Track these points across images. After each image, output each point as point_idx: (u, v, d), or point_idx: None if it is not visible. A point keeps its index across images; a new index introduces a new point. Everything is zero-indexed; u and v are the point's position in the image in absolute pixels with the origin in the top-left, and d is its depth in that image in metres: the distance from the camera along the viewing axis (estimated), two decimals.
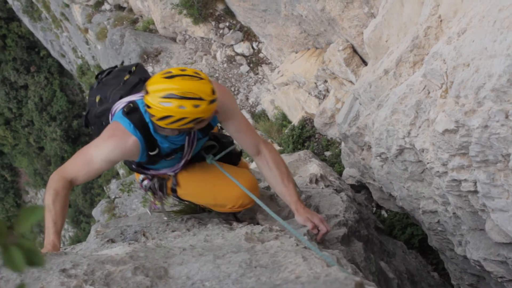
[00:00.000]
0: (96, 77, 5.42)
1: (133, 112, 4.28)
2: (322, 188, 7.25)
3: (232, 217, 5.42)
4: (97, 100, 4.95)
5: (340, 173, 10.69)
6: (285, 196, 4.75)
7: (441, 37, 4.50)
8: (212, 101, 3.94)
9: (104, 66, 25.50)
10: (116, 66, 5.47)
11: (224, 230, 4.27)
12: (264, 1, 13.35)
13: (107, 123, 4.53)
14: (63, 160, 45.47)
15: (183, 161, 4.87)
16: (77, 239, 40.15)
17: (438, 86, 4.00)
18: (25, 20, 41.66)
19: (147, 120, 4.27)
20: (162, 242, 3.82)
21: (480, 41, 3.40)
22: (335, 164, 11.59)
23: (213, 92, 3.96)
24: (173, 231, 4.76)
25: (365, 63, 11.15)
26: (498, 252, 3.98)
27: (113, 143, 4.22)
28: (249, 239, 3.64)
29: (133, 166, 4.94)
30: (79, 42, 30.72)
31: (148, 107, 3.97)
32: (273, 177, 4.78)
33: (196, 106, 3.88)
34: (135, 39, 19.29)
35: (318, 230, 4.62)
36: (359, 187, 10.02)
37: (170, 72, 3.97)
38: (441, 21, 4.66)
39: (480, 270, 4.73)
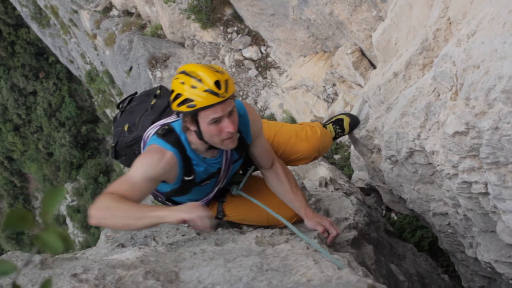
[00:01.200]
0: (118, 106, 5.36)
1: (169, 134, 4.25)
2: (332, 191, 7.25)
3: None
4: (125, 128, 4.90)
5: (349, 176, 10.68)
6: (294, 202, 4.81)
7: (450, 40, 4.49)
8: (211, 92, 3.87)
9: (113, 72, 25.55)
10: (135, 93, 5.46)
11: (234, 234, 4.28)
12: (272, 5, 13.35)
13: (139, 151, 4.56)
14: (72, 165, 45.72)
15: (216, 189, 4.82)
16: (87, 244, 40.24)
17: (448, 89, 3.99)
18: (34, 26, 41.80)
19: (183, 140, 4.26)
20: (173, 246, 3.83)
21: (490, 43, 3.39)
22: (345, 167, 11.58)
23: (218, 86, 3.88)
24: (183, 235, 4.77)
25: (373, 66, 11.14)
26: (510, 253, 3.97)
27: (150, 158, 4.14)
28: (259, 243, 3.64)
29: (160, 199, 4.92)
30: (87, 48, 30.78)
31: (172, 92, 4.04)
32: (283, 187, 4.86)
33: (193, 86, 3.88)
34: (144, 45, 19.31)
35: (328, 233, 4.69)
36: (369, 190, 10.00)
37: (199, 62, 4.08)
38: (450, 23, 4.65)
39: (491, 272, 4.72)
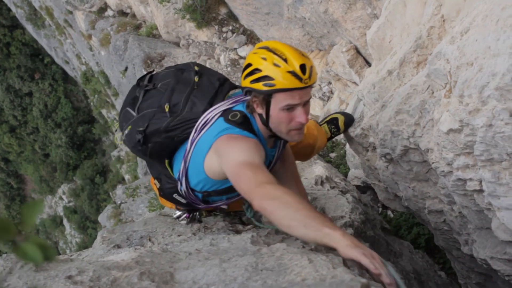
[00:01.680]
0: (138, 84, 4.64)
1: (245, 122, 3.86)
2: (328, 189, 7.25)
3: (237, 221, 5.40)
4: (166, 109, 4.23)
5: (345, 175, 10.68)
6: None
7: (444, 37, 4.50)
8: (294, 74, 3.54)
9: (108, 72, 25.59)
10: (153, 70, 4.81)
11: (230, 234, 4.28)
12: (267, 4, 13.35)
13: (182, 137, 4.11)
14: (68, 166, 45.74)
15: None
16: (84, 245, 40.24)
17: (442, 86, 4.00)
18: (29, 27, 41.85)
19: (256, 129, 3.90)
20: (168, 247, 3.83)
21: (483, 40, 3.40)
22: (340, 165, 11.58)
23: (304, 70, 3.56)
24: (179, 235, 4.76)
25: (368, 64, 11.16)
26: (505, 250, 3.98)
27: (246, 142, 3.73)
28: (255, 242, 3.64)
29: (193, 197, 4.37)
30: (82, 48, 30.82)
31: (250, 65, 3.70)
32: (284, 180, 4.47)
33: (276, 64, 3.55)
34: (139, 45, 19.32)
35: None
36: (365, 188, 10.01)
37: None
38: (444, 21, 4.65)
39: (487, 268, 4.72)
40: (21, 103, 47.90)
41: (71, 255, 4.52)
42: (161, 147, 4.21)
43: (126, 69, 20.65)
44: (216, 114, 3.95)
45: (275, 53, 3.58)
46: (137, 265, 2.86)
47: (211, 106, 4.07)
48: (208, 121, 3.95)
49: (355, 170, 10.03)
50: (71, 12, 27.88)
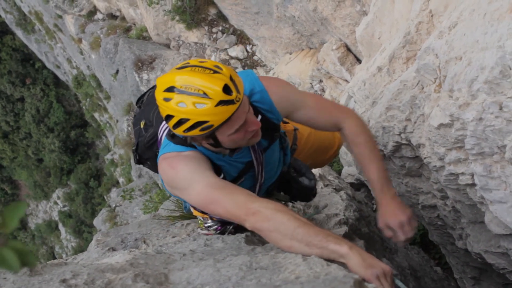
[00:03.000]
0: (137, 103, 4.56)
1: (176, 136, 3.53)
2: (321, 187, 7.25)
3: None
4: (142, 126, 4.18)
5: (339, 172, 10.70)
6: (367, 174, 3.90)
7: (432, 32, 4.51)
8: (224, 102, 3.10)
9: (99, 75, 25.60)
10: (155, 86, 4.56)
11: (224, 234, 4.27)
12: (256, 3, 13.37)
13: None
14: (62, 171, 45.69)
15: (257, 187, 4.03)
16: (80, 250, 40.18)
17: (432, 81, 4.01)
18: (19, 32, 41.84)
19: (189, 140, 3.49)
20: (163, 248, 3.82)
21: (471, 34, 3.41)
22: (334, 163, 11.59)
23: (228, 90, 3.11)
24: (173, 237, 4.76)
25: (359, 61, 11.19)
26: (499, 243, 3.98)
27: (184, 163, 3.44)
28: (249, 242, 3.64)
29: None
30: (73, 52, 30.83)
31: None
32: (356, 154, 3.98)
33: (199, 105, 3.08)
34: (129, 47, 19.32)
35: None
36: (359, 185, 10.02)
37: (187, 63, 3.22)
38: (432, 16, 4.66)
39: (482, 262, 4.74)
40: (13, 109, 47.82)
41: (66, 259, 4.52)
42: (155, 164, 3.92)
43: (117, 72, 20.68)
44: (164, 130, 3.80)
45: (188, 93, 3.10)
46: (131, 267, 2.86)
47: None
48: (162, 135, 3.83)
49: (348, 167, 10.04)
50: (60, 17, 27.88)
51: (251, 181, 3.96)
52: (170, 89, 3.14)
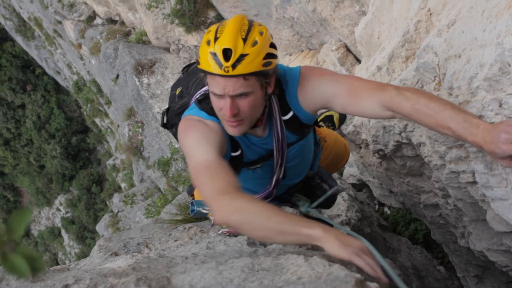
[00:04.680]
0: (183, 70, 4.51)
1: (205, 100, 3.52)
2: None
3: None
4: (177, 92, 4.16)
5: (340, 173, 10.70)
6: (444, 130, 3.03)
7: (431, 30, 4.51)
8: (213, 56, 3.12)
9: (100, 81, 25.64)
10: None
11: (226, 237, 4.27)
12: (255, 5, 13.37)
13: None
14: (64, 177, 45.73)
15: (274, 179, 3.98)
16: (83, 256, 40.14)
17: (431, 79, 4.00)
18: (19, 39, 41.90)
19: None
20: (165, 252, 3.82)
21: (469, 31, 3.40)
22: None
23: (226, 56, 3.10)
24: (175, 241, 4.76)
25: (359, 61, 11.19)
26: (501, 241, 3.98)
27: (196, 130, 3.39)
28: (251, 244, 3.64)
29: None
30: (73, 58, 30.86)
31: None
32: (420, 122, 3.25)
33: (207, 41, 3.17)
34: (129, 52, 19.34)
35: None
36: (360, 185, 10.03)
37: (251, 21, 3.32)
38: (430, 14, 4.66)
39: (485, 260, 4.73)
40: (14, 116, 47.86)
41: (68, 265, 4.52)
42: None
43: (117, 76, 20.69)
44: (198, 95, 3.71)
45: (217, 29, 3.20)
46: (133, 271, 2.85)
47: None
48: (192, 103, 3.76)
49: (350, 168, 10.05)
50: (60, 22, 27.92)
51: (269, 171, 3.94)
52: (223, 21, 3.26)
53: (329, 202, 4.59)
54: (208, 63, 3.16)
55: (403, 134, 4.60)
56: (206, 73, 3.21)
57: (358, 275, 2.12)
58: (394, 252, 7.13)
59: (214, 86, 3.23)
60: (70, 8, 25.76)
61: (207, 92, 3.47)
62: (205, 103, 3.49)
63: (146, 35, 19.95)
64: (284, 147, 3.78)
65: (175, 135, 4.12)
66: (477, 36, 3.28)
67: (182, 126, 3.50)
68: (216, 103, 3.31)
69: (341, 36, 11.37)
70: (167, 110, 4.22)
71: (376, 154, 5.49)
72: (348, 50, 11.54)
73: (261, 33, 3.26)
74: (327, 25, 11.46)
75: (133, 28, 21.89)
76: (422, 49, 4.04)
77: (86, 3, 25.25)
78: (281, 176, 3.98)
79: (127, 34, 21.81)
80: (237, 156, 3.68)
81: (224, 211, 2.92)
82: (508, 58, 2.86)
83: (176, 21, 16.86)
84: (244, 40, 3.15)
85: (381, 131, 4.94)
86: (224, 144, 3.47)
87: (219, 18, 16.60)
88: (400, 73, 4.98)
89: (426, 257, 8.30)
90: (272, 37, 3.43)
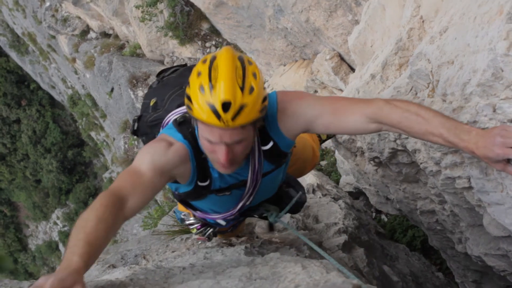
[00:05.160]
0: (158, 75, 4.43)
1: (185, 124, 3.38)
2: (320, 197, 7.27)
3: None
4: (151, 103, 4.06)
5: (337, 181, 10.71)
6: (434, 132, 2.98)
7: (424, 38, 4.52)
8: (211, 108, 2.91)
9: (94, 94, 25.62)
10: (185, 64, 4.54)
11: (223, 247, 4.27)
12: (249, 17, 13.39)
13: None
14: (60, 191, 45.64)
15: (240, 205, 3.84)
16: None
17: (425, 86, 4.02)
18: (13, 54, 41.87)
19: (197, 134, 3.31)
20: (163, 263, 3.81)
21: (462, 38, 3.42)
22: (332, 172, 11.60)
23: (226, 108, 2.91)
24: (173, 252, 4.76)
25: (353, 70, 11.21)
26: (498, 246, 3.98)
27: (155, 146, 3.28)
28: (249, 253, 3.64)
29: (176, 193, 3.83)
30: (68, 72, 30.85)
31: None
32: (409, 131, 3.16)
33: (201, 88, 2.95)
34: (123, 65, 19.34)
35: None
36: (357, 193, 10.03)
37: (245, 60, 3.08)
38: (423, 21, 4.68)
39: (482, 265, 4.74)
40: (10, 131, 47.80)
41: None
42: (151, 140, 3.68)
43: (112, 90, 20.68)
44: (173, 117, 3.64)
45: (210, 73, 2.96)
46: (131, 283, 2.85)
47: (180, 107, 3.74)
48: (167, 122, 3.70)
49: (346, 176, 10.05)
50: (54, 37, 27.92)
51: (237, 198, 3.79)
52: (212, 58, 3.01)
53: (297, 207, 4.38)
54: (203, 113, 2.95)
55: (398, 141, 4.61)
56: (200, 122, 3.04)
57: (355, 281, 2.13)
58: (392, 259, 7.14)
59: (209, 134, 3.07)
60: (63, 23, 25.78)
61: (186, 115, 3.42)
62: (184, 127, 3.38)
63: (140, 48, 19.96)
64: (258, 178, 3.67)
65: (144, 143, 4.08)
66: (469, 42, 3.29)
67: (153, 140, 3.42)
68: (208, 147, 3.18)
69: (334, 45, 11.39)
70: (139, 118, 4.16)
71: (371, 162, 5.49)
72: (342, 59, 11.56)
73: (254, 75, 3.06)
74: (321, 35, 11.49)
75: (127, 42, 21.91)
76: (415, 56, 4.06)
77: (79, 18, 25.28)
78: (248, 202, 3.84)
79: (121, 47, 21.84)
80: (205, 185, 3.55)
81: (87, 209, 2.80)
82: (500, 63, 2.87)
83: (170, 33, 16.89)
84: (242, 89, 2.96)
85: (376, 139, 4.95)
86: (182, 172, 3.40)
87: (213, 30, 16.62)
88: (394, 81, 4.99)
89: (424, 264, 8.30)
90: (261, 73, 3.19)
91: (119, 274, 3.24)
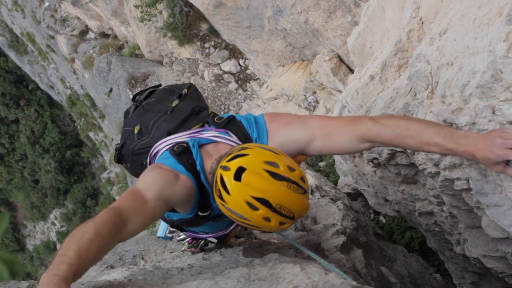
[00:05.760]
0: (133, 98, 4.42)
1: (184, 154, 3.44)
2: (318, 198, 7.26)
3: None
4: (136, 131, 4.04)
5: (335, 183, 10.71)
6: (431, 147, 3.05)
7: (423, 39, 4.52)
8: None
9: (93, 94, 25.58)
10: (160, 85, 4.53)
11: (222, 247, 4.26)
12: (248, 17, 13.39)
13: (146, 164, 3.76)
14: (59, 191, 45.57)
15: (233, 226, 3.96)
16: None
17: (424, 87, 4.01)
18: (11, 54, 41.81)
19: (199, 167, 3.42)
20: (161, 264, 3.81)
21: (461, 39, 3.42)
22: (330, 173, 11.60)
23: (306, 208, 3.08)
24: (171, 252, 4.75)
25: (352, 71, 11.21)
26: (496, 247, 3.98)
27: (165, 174, 3.29)
28: (247, 254, 3.63)
29: (169, 219, 3.88)
30: (66, 72, 30.80)
31: (226, 190, 3.07)
32: (404, 146, 3.33)
33: (282, 223, 3.03)
34: (122, 65, 19.31)
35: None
36: (356, 195, 10.02)
37: (277, 166, 3.03)
38: (422, 23, 4.67)
39: (481, 267, 4.73)
40: (8, 131, 47.75)
41: None
42: (137, 169, 3.98)
43: (110, 90, 20.64)
44: (166, 146, 3.65)
45: (280, 213, 2.99)
46: (129, 283, 2.85)
47: (170, 134, 3.76)
48: (158, 152, 3.67)
49: (344, 177, 10.05)
50: (53, 37, 27.88)
51: (232, 221, 3.75)
52: (263, 202, 2.97)
53: None
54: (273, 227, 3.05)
55: None
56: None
57: (354, 283, 2.12)
58: (390, 260, 7.13)
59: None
60: (62, 23, 25.75)
61: (183, 145, 3.48)
62: (184, 158, 3.42)
63: (139, 48, 19.93)
64: None
65: (128, 169, 4.17)
66: (469, 43, 3.29)
67: (156, 166, 3.42)
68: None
69: (333, 46, 11.39)
70: (122, 146, 4.14)
71: (370, 163, 5.49)
72: (341, 60, 11.56)
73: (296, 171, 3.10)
74: (320, 36, 11.48)
75: (126, 42, 21.88)
76: (415, 58, 4.05)
77: (78, 18, 25.25)
78: None
79: (120, 48, 21.81)
80: (205, 215, 3.57)
81: (88, 221, 2.83)
82: (500, 65, 2.87)
83: (169, 34, 16.86)
84: (304, 189, 3.07)
85: None
86: (185, 203, 3.43)
87: (212, 31, 16.60)
88: (393, 82, 4.99)
89: (422, 265, 8.30)
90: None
91: (117, 274, 3.23)
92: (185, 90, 4.16)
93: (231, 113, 15.35)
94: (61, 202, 47.59)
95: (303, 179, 3.08)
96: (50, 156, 45.70)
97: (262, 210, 2.98)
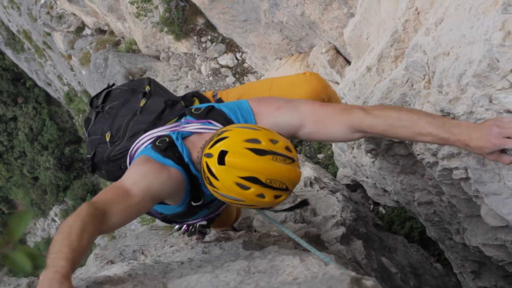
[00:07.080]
0: (91, 104, 4.47)
1: (169, 148, 3.44)
2: (317, 190, 7.26)
3: (229, 228, 5.37)
4: (107, 138, 3.99)
5: (334, 174, 10.71)
6: (423, 137, 3.12)
7: (419, 29, 4.52)
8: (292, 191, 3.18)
9: (91, 91, 25.52)
10: (112, 85, 4.57)
11: (221, 241, 4.27)
12: (244, 11, 13.37)
13: (126, 167, 3.63)
14: (58, 188, 45.52)
15: (223, 207, 4.10)
16: (79, 265, 40.00)
17: (421, 78, 4.02)
18: (8, 52, 41.72)
19: (186, 157, 3.44)
20: (161, 258, 3.81)
21: (457, 29, 3.42)
22: (329, 165, 11.60)
23: (298, 177, 3.15)
24: (171, 246, 4.75)
25: (349, 63, 11.20)
26: (496, 236, 3.99)
27: (152, 168, 3.30)
28: (247, 247, 3.64)
29: (159, 215, 3.98)
30: (63, 69, 30.74)
31: (214, 176, 3.13)
32: (396, 137, 3.47)
33: (277, 196, 3.10)
34: (119, 61, 19.27)
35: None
36: (355, 186, 10.03)
37: (258, 142, 3.05)
38: (418, 13, 4.67)
39: (480, 256, 4.74)
40: (6, 128, 47.72)
41: None
42: (114, 174, 3.95)
43: (109, 85, 20.64)
44: (146, 141, 3.63)
45: (272, 187, 3.06)
46: (130, 278, 2.86)
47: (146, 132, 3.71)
48: (138, 148, 3.64)
49: (343, 169, 10.05)
50: (49, 34, 27.82)
51: (223, 203, 3.93)
52: (253, 180, 3.03)
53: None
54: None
55: None
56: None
57: (353, 274, 2.13)
58: (390, 251, 7.14)
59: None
60: (58, 20, 25.69)
61: (165, 138, 3.50)
62: (170, 153, 3.42)
63: (135, 44, 19.89)
64: None
65: (103, 176, 4.17)
66: (465, 33, 3.29)
67: (144, 160, 3.42)
68: None
69: (330, 38, 11.38)
70: (94, 155, 4.10)
71: (368, 154, 5.50)
72: (338, 52, 11.55)
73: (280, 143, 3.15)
74: (316, 28, 11.47)
75: (123, 38, 21.84)
76: (411, 48, 4.06)
77: (74, 14, 25.19)
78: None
79: (117, 43, 21.76)
80: (199, 204, 3.61)
81: (71, 215, 2.86)
82: (496, 54, 2.88)
83: (165, 29, 16.82)
84: (292, 158, 3.13)
85: None
86: (174, 195, 3.48)
87: (208, 25, 16.57)
88: (390, 73, 4.99)
89: (422, 255, 8.31)
90: None
91: (117, 269, 3.24)
92: (148, 87, 4.16)
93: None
94: (61, 199, 47.57)
95: (288, 148, 3.13)
96: (49, 153, 45.66)
97: (253, 188, 3.05)
